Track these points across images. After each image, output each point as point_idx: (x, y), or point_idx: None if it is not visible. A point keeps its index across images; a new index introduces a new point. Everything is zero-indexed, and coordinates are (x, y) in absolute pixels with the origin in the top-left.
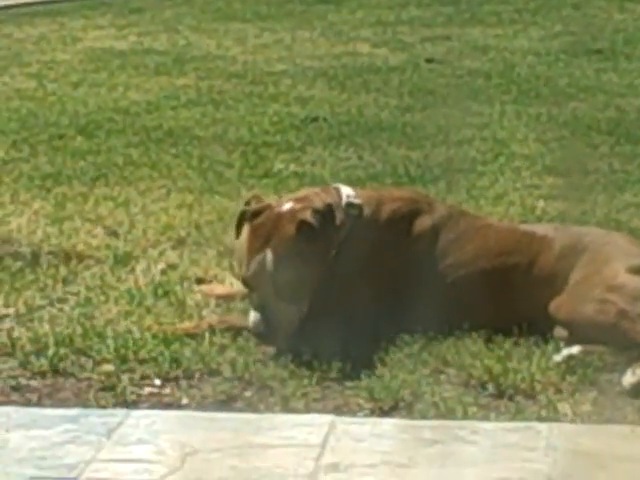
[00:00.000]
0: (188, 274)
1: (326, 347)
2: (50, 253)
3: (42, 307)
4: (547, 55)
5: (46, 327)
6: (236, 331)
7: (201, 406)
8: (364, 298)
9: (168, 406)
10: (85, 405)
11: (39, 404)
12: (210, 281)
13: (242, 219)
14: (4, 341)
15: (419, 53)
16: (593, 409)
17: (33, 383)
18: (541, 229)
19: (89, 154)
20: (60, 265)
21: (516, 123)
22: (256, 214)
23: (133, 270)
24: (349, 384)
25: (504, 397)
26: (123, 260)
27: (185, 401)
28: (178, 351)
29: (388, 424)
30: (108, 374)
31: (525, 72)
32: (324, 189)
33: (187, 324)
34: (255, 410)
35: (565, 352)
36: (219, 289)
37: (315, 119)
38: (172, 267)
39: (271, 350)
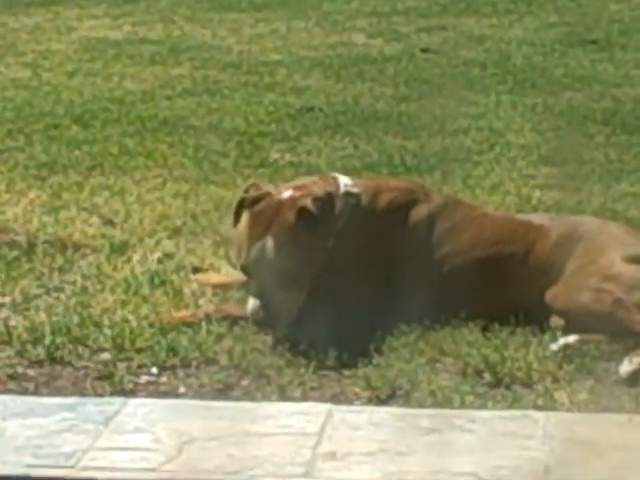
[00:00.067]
0: (184, 263)
1: (323, 336)
2: (46, 242)
3: (38, 296)
4: (543, 45)
5: (43, 316)
6: (233, 320)
7: (198, 395)
8: (361, 287)
9: (165, 395)
10: (82, 394)
11: (36, 393)
12: (206, 270)
13: (241, 206)
14: (0, 330)
15: (415, 43)
16: (590, 398)
17: (30, 372)
18: (537, 218)
19: (84, 143)
20: (56, 254)
21: (512, 113)
22: (255, 201)
23: (129, 259)
24: (346, 373)
25: (501, 386)
26: (119, 249)
27: (182, 390)
28: (175, 340)
29: (385, 413)
30: (105, 363)
31: (521, 62)
32: (322, 178)
33: (184, 313)
34: (252, 399)
35: (562, 341)
36: (215, 278)
37: (311, 109)
38: (168, 256)
39: (268, 339)
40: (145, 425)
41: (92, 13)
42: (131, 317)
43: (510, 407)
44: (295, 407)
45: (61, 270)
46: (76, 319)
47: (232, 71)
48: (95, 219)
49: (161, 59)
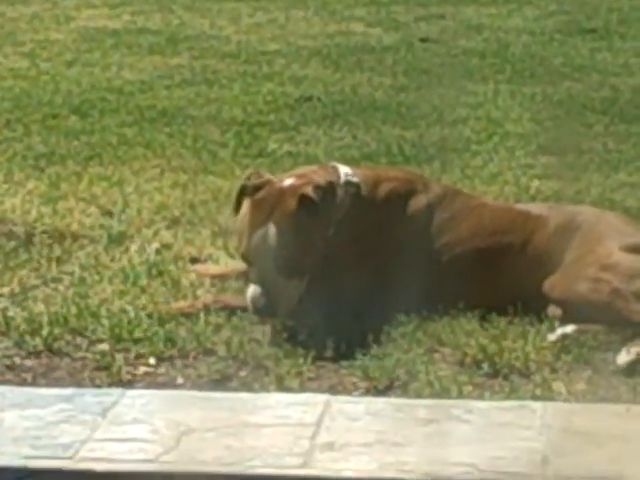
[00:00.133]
0: (182, 254)
1: (321, 326)
2: (44, 233)
3: (36, 287)
4: (541, 34)
5: (40, 307)
6: (231, 310)
7: (196, 385)
8: (360, 277)
9: (163, 385)
10: (80, 385)
11: (34, 384)
12: (205, 260)
13: (242, 194)
14: None
15: (413, 32)
16: (588, 388)
17: (28, 363)
18: (535, 208)
19: (83, 134)
20: (54, 245)
21: (510, 102)
22: (257, 189)
23: (127, 250)
24: (344, 363)
25: (499, 376)
26: (117, 240)
27: (180, 380)
28: (173, 330)
29: (383, 403)
30: (103, 353)
31: (519, 51)
32: (322, 167)
33: (182, 303)
34: (250, 389)
35: (560, 331)
36: (213, 268)
37: (309, 98)
38: (166, 247)
39: (266, 329)
40: (143, 416)
41: (90, 2)
42: (129, 308)
43: (508, 397)
44: (293, 398)
45: (59, 261)
46: (74, 310)
47: (230, 61)
48: (93, 209)
49: (160, 49)
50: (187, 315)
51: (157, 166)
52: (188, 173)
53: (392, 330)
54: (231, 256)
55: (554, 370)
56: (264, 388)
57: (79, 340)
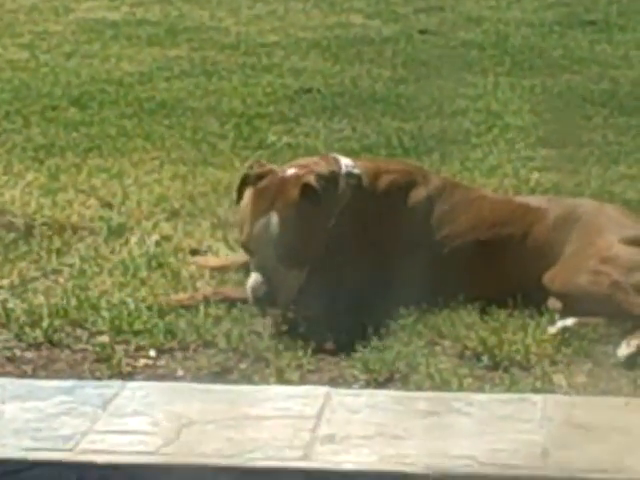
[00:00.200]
0: (182, 245)
1: (321, 318)
2: (44, 224)
3: (36, 279)
4: (541, 26)
5: (40, 298)
6: (231, 302)
7: (196, 378)
8: (360, 269)
9: (163, 378)
10: (80, 377)
11: (34, 376)
12: (204, 252)
13: (244, 183)
14: None
15: (413, 24)
16: (588, 381)
17: (28, 355)
18: (535, 200)
19: (82, 125)
20: (54, 236)
21: (510, 95)
22: (259, 178)
23: (127, 242)
24: (344, 356)
25: (499, 369)
26: (117, 231)
27: (180, 373)
28: (173, 323)
29: (383, 396)
30: (103, 346)
31: (519, 43)
32: (323, 158)
33: (182, 295)
34: (250, 382)
35: (560, 324)
36: (213, 260)
37: (308, 90)
38: (166, 238)
39: (267, 321)
40: (143, 408)
41: None
42: (129, 300)
43: (508, 390)
44: (293, 390)
45: (59, 252)
46: (74, 302)
47: (230, 52)
48: (93, 201)
49: (159, 40)
50: (187, 307)
51: (156, 158)
52: (187, 165)
53: (392, 322)
54: (231, 248)
55: (554, 363)
56: (264, 380)
57: (79, 332)
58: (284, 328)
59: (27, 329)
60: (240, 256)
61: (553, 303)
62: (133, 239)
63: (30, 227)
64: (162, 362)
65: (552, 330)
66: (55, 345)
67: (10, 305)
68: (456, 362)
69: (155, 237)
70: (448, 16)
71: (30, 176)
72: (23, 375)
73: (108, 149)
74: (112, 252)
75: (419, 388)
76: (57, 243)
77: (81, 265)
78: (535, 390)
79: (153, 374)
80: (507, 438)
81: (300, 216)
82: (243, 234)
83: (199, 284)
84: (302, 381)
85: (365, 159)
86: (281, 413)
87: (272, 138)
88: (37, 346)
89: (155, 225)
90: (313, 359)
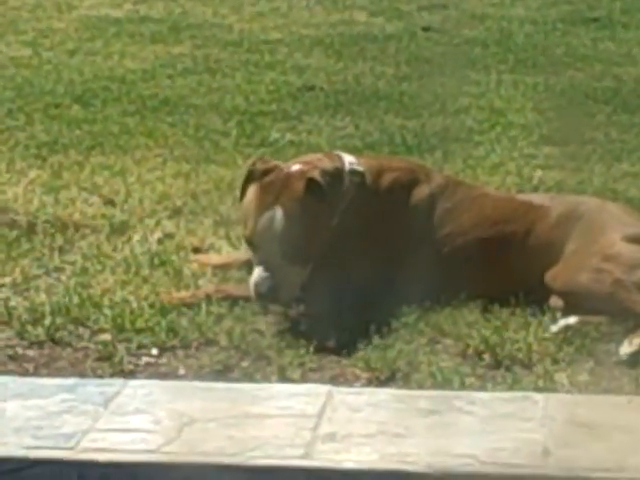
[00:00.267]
0: (184, 243)
1: (323, 316)
2: (46, 222)
3: (38, 276)
4: (544, 24)
5: (43, 296)
6: (233, 300)
7: (198, 376)
8: (362, 267)
9: (165, 376)
10: (82, 375)
11: (36, 374)
12: (206, 250)
13: (249, 179)
14: (0, 311)
15: (416, 21)
16: (590, 379)
17: (30, 353)
18: (537, 198)
19: (85, 123)
20: (56, 234)
21: (513, 92)
22: (264, 173)
23: (129, 239)
24: (346, 354)
25: (501, 367)
26: (119, 229)
27: (182, 371)
28: (175, 321)
29: (385, 394)
30: (105, 344)
31: (522, 41)
32: (327, 155)
33: (184, 293)
34: (252, 380)
35: (562, 322)
36: (215, 258)
37: (311, 88)
38: (168, 236)
39: (268, 320)
40: (145, 406)
41: None
42: (131, 298)
43: (510, 389)
44: (295, 388)
45: (61, 250)
46: (76, 300)
47: (233, 50)
48: (95, 199)
49: (162, 38)
50: (189, 305)
51: (159, 155)
52: (190, 162)
53: (394, 321)
54: (233, 246)
55: (556, 361)
56: (266, 379)
57: (81, 330)
58: (286, 326)
59: (29, 327)
60: (242, 254)
61: (555, 301)
62: (135, 237)
63: (32, 225)
64: (164, 360)
65: (554, 328)
66: (57, 343)
67: (12, 303)
68: (458, 360)
69: (157, 235)
70: (451, 13)
71: (33, 174)
72: (25, 373)
73: (111, 147)
74: (114, 250)
75: (421, 386)
76: (59, 241)
77: (83, 263)
78: (537, 389)
79: (155, 372)
80: (509, 437)
81: (305, 211)
82: (247, 229)
83: (201, 282)
84: (304, 379)
85: (368, 157)
86: (282, 411)
87: (275, 135)
88: (39, 344)
89: (157, 223)
90: (315, 357)
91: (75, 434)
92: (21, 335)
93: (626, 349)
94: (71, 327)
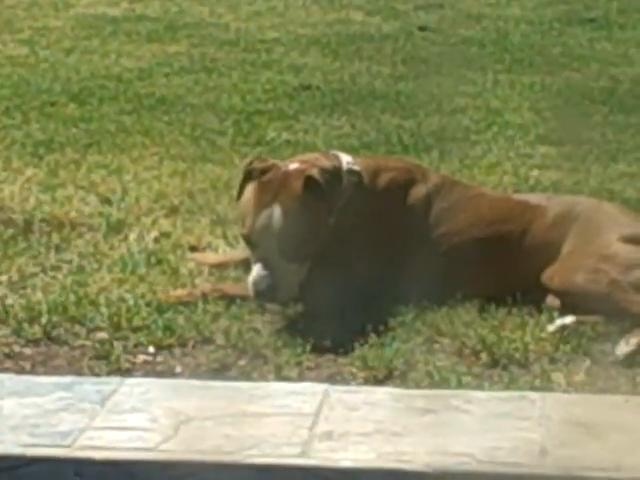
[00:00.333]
0: (181, 242)
1: (320, 315)
2: (43, 220)
3: (35, 275)
4: (541, 24)
5: (39, 295)
6: (230, 299)
7: (195, 374)
8: (359, 267)
9: (162, 374)
10: (79, 373)
11: (33, 372)
12: (203, 249)
13: (247, 177)
14: None
15: (412, 21)
16: (587, 379)
17: (26, 351)
18: (534, 198)
19: (81, 121)
20: (53, 232)
21: (509, 92)
22: (263, 172)
23: (126, 238)
24: (343, 353)
25: (498, 366)
26: (116, 228)
27: (179, 369)
28: (171, 319)
29: (382, 393)
30: (102, 342)
31: (519, 41)
32: (324, 154)
33: (180, 292)
34: (249, 378)
35: (559, 322)
36: (212, 257)
37: (308, 87)
38: (165, 235)
39: (265, 318)
40: (142, 405)
41: None
42: (128, 296)
43: (507, 388)
44: (292, 387)
45: (58, 249)
46: (73, 298)
47: (229, 49)
48: (92, 197)
49: (158, 36)
50: (186, 304)
51: (156, 154)
52: (187, 161)
53: (391, 320)
54: (230, 245)
55: (553, 361)
56: (263, 377)
57: (78, 328)
58: (283, 325)
59: (26, 325)
60: (239, 253)
61: (552, 301)
62: (132, 235)
63: (29, 223)
64: (161, 358)
65: (551, 328)
66: (54, 341)
67: (9, 301)
68: (455, 360)
69: (154, 233)
70: (448, 13)
71: (29, 172)
72: (21, 371)
73: (107, 145)
74: (111, 248)
75: (418, 385)
76: (56, 239)
77: (80, 261)
78: (534, 388)
79: (152, 370)
80: (506, 436)
81: (303, 209)
82: (246, 227)
83: (198, 281)
84: (301, 378)
85: (365, 156)
86: (279, 410)
87: (271, 135)
88: (36, 342)
89: (154, 221)
90: (312, 356)
91: (72, 432)
92: (18, 333)
93: (623, 349)
94: (68, 325)
